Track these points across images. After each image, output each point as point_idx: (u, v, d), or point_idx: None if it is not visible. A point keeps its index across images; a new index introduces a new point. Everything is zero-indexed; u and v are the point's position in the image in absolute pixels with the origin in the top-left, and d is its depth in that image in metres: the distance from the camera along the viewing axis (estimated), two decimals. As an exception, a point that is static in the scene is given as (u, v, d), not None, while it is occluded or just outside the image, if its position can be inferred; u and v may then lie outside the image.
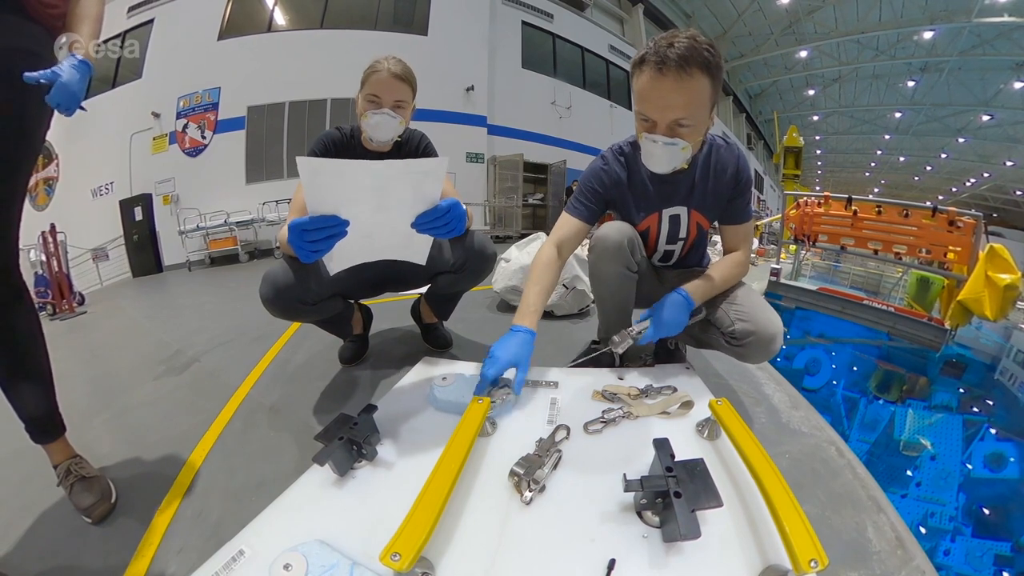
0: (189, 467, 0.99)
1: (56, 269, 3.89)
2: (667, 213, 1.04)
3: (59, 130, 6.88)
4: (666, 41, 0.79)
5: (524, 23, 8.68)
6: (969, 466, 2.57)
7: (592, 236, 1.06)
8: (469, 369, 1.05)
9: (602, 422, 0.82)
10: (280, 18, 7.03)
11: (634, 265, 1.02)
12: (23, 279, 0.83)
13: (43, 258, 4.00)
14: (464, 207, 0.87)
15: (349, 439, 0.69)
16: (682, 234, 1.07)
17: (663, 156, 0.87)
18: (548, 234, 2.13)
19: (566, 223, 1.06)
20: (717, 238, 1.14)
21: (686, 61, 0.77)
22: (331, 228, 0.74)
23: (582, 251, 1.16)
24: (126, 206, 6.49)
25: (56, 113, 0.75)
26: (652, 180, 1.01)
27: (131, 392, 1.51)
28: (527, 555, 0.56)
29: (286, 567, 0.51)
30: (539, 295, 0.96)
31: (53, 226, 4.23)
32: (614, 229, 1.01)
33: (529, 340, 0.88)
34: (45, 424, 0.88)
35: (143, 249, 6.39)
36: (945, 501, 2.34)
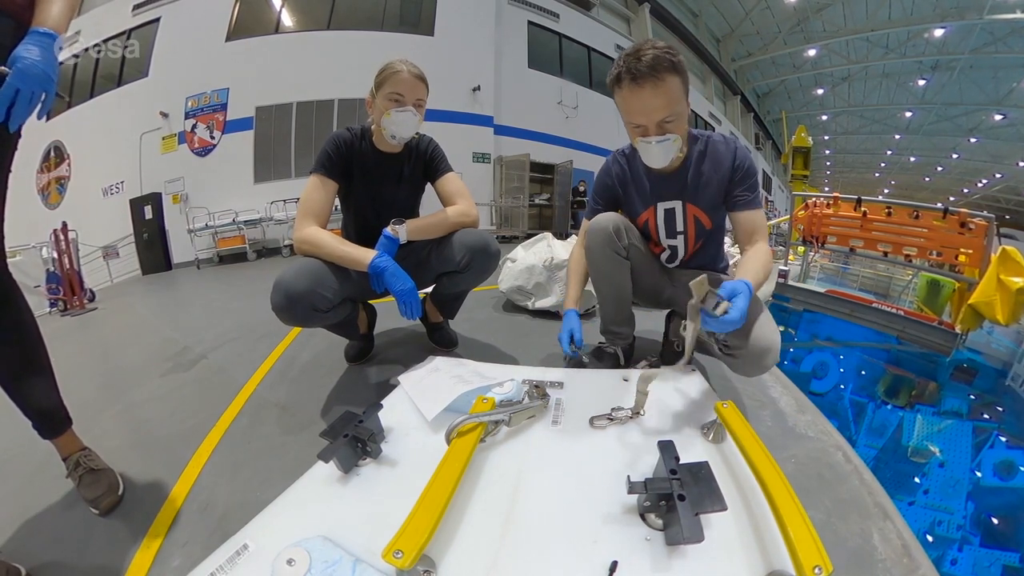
0: (195, 462, 1.00)
1: (67, 266, 3.94)
2: (662, 207, 1.14)
3: (70, 130, 7.00)
4: (632, 56, 0.89)
5: (530, 23, 8.66)
6: (978, 474, 2.53)
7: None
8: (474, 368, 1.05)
9: (608, 418, 0.82)
10: (287, 20, 7.06)
11: (622, 250, 1.12)
12: (12, 278, 0.81)
13: (55, 255, 4.06)
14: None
15: (354, 436, 0.70)
16: (679, 227, 1.15)
17: (659, 152, 0.98)
18: (554, 234, 2.17)
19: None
20: (735, 249, 1.15)
21: (656, 68, 0.88)
22: None
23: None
24: (136, 205, 6.56)
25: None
26: (648, 176, 1.13)
27: (139, 388, 1.53)
28: (529, 555, 0.56)
29: (289, 562, 0.51)
30: (577, 284, 1.22)
31: (64, 224, 4.28)
32: (604, 217, 1.13)
33: (575, 315, 1.16)
34: (51, 419, 0.89)
35: (152, 247, 6.45)
36: (953, 509, 2.31)
